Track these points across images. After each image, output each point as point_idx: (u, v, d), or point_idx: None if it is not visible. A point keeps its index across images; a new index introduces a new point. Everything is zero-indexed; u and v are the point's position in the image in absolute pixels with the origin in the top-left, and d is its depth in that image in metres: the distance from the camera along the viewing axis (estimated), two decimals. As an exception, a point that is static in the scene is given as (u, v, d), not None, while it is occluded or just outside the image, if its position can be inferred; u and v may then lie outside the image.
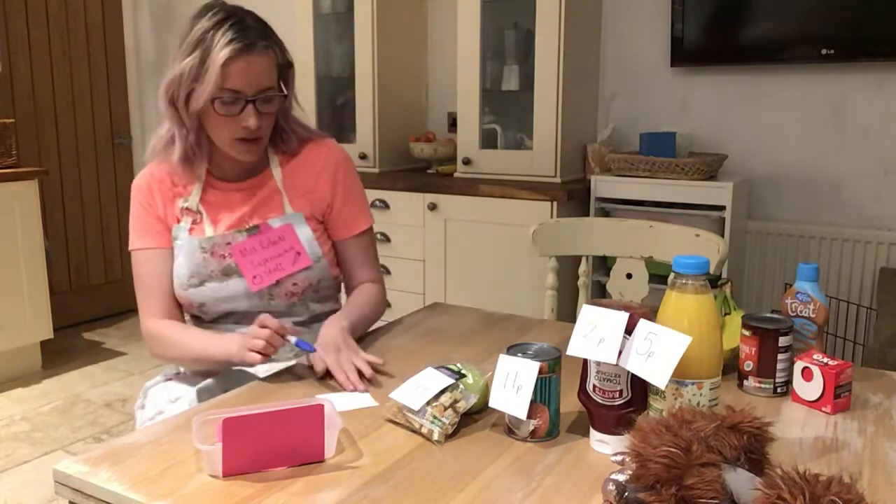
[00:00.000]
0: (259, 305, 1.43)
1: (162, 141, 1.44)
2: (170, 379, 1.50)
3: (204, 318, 1.47)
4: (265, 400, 1.15)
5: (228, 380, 1.35)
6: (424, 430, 1.01)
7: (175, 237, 1.44)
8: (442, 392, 1.02)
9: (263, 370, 1.31)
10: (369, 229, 1.55)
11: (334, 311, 1.55)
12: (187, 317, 1.49)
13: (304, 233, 1.45)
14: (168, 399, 1.42)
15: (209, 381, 1.39)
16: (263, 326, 1.24)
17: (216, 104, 1.34)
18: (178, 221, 1.44)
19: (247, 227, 1.43)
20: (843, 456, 0.96)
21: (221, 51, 1.30)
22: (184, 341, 1.38)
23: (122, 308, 4.36)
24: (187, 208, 1.44)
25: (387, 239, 3.08)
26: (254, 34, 1.34)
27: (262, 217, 1.45)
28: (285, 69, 1.42)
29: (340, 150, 1.54)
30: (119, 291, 4.35)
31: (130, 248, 1.46)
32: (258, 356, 1.22)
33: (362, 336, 1.49)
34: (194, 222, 1.44)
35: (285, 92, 1.41)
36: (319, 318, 1.48)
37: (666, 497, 0.72)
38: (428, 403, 1.01)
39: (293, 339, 1.24)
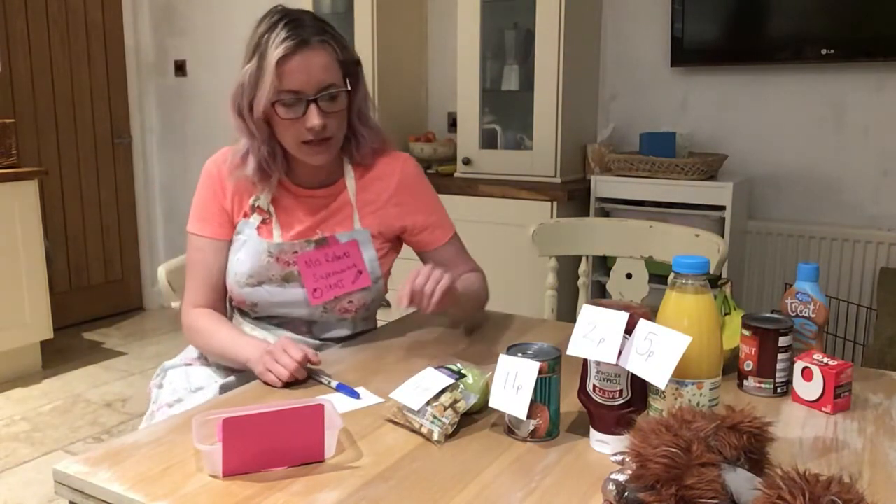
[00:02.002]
0: (312, 315, 1.42)
1: (238, 156, 1.40)
2: (190, 364, 1.49)
3: (250, 315, 1.46)
4: (265, 400, 1.15)
5: (252, 377, 1.34)
6: (424, 430, 1.01)
7: (239, 231, 1.42)
8: (442, 392, 1.02)
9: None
10: (455, 236, 1.53)
11: (373, 328, 1.57)
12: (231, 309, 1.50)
13: (368, 252, 1.42)
14: (189, 388, 1.41)
15: (232, 378, 1.39)
16: (286, 351, 1.21)
17: (277, 107, 1.31)
18: (247, 217, 1.42)
19: (315, 237, 1.40)
20: (843, 456, 0.96)
21: (275, 50, 1.28)
22: (210, 334, 1.39)
23: (122, 308, 4.36)
24: (259, 206, 1.42)
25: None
26: (309, 31, 1.30)
27: (330, 229, 1.43)
28: (351, 66, 1.38)
29: (414, 166, 1.51)
30: (119, 291, 4.35)
31: (188, 228, 1.45)
32: (275, 379, 1.20)
33: (370, 334, 1.49)
34: (263, 221, 1.42)
35: (349, 87, 1.36)
36: (354, 336, 1.48)
37: (666, 497, 0.72)
38: (428, 403, 1.01)
39: (334, 384, 1.19)
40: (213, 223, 1.43)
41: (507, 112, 3.13)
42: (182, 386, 1.42)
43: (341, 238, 1.41)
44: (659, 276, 1.98)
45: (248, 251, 1.40)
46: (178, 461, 0.95)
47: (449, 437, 1.01)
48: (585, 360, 0.99)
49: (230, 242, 1.43)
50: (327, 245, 1.40)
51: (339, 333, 1.46)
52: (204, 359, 1.50)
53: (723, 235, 2.54)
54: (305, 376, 1.22)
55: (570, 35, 2.83)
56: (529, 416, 0.98)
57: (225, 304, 1.48)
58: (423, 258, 1.51)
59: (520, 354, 1.01)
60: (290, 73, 1.29)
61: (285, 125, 1.33)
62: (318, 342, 1.44)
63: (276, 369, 1.20)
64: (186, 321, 1.43)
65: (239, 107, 1.35)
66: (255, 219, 1.42)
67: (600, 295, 2.80)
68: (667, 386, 0.93)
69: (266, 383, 1.21)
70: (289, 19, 1.31)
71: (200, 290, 1.43)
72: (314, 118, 1.31)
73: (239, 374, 1.38)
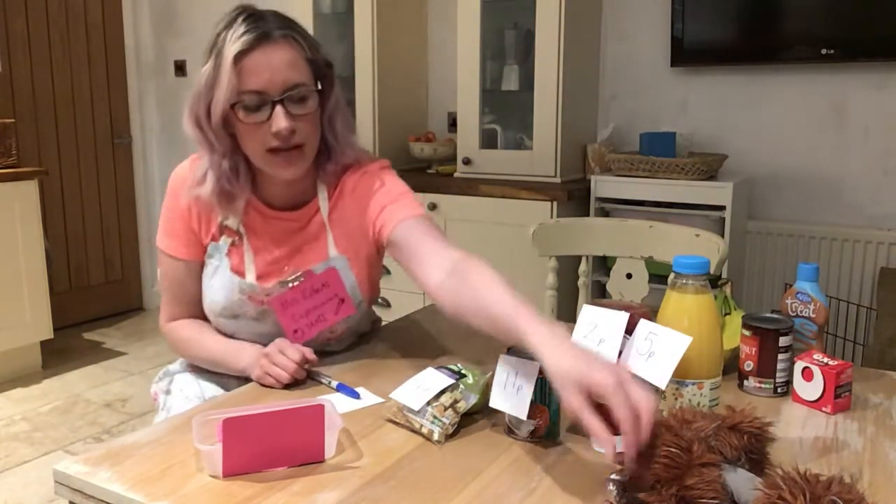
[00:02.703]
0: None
1: (199, 172, 1.26)
2: (196, 369, 1.43)
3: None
4: (265, 400, 1.15)
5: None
6: (425, 430, 1.01)
7: (210, 255, 1.32)
8: (442, 392, 1.02)
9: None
10: (424, 217, 1.27)
11: (373, 328, 1.49)
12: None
13: (349, 279, 1.31)
14: (202, 396, 1.36)
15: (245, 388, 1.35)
16: (283, 352, 1.18)
17: (238, 111, 1.18)
18: (216, 240, 1.31)
19: (289, 278, 1.28)
20: (843, 456, 0.96)
21: (233, 45, 1.15)
22: (198, 343, 1.34)
23: (122, 308, 4.36)
24: (227, 226, 1.31)
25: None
26: (271, 25, 1.18)
27: (305, 260, 1.31)
28: (322, 68, 1.25)
29: (376, 169, 1.35)
30: (119, 291, 4.35)
31: (157, 244, 1.35)
32: (274, 382, 1.18)
33: (368, 330, 1.48)
34: (233, 244, 1.31)
35: (319, 87, 1.23)
36: (355, 344, 1.41)
37: (666, 497, 0.72)
38: (428, 403, 1.01)
39: (334, 384, 1.17)
40: (180, 243, 1.33)
41: (507, 112, 3.13)
42: (195, 394, 1.37)
43: (317, 269, 1.29)
44: (659, 276, 1.98)
45: (221, 282, 1.30)
46: (179, 461, 0.95)
47: (449, 437, 1.01)
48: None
49: (202, 263, 1.33)
50: (304, 281, 1.28)
51: (329, 349, 1.39)
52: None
53: (723, 235, 2.54)
54: (305, 376, 1.21)
55: (570, 35, 2.83)
56: (529, 416, 0.98)
57: (204, 315, 1.38)
58: (397, 244, 1.25)
59: (520, 354, 1.01)
60: (250, 70, 1.16)
61: (248, 131, 1.20)
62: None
63: (275, 371, 1.18)
64: (169, 336, 1.38)
65: (196, 115, 1.22)
66: (225, 241, 1.31)
67: (600, 295, 2.80)
68: (667, 386, 0.93)
69: (265, 386, 1.20)
70: (248, 13, 1.20)
71: (177, 306, 1.37)
72: (281, 120, 1.17)
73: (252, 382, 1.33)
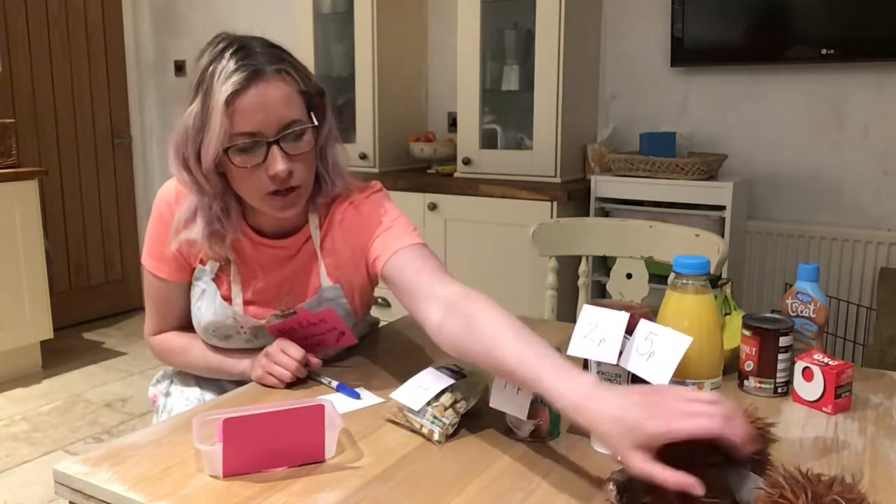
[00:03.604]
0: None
1: (185, 215, 1.21)
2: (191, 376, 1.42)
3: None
4: (265, 400, 1.15)
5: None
6: (425, 431, 1.01)
7: (197, 278, 1.27)
8: (442, 392, 1.02)
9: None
10: (420, 245, 1.19)
11: (371, 330, 1.48)
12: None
13: (343, 308, 1.26)
14: (201, 399, 1.35)
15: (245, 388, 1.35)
16: (285, 352, 1.17)
17: (231, 154, 1.11)
18: (203, 264, 1.26)
19: (283, 311, 1.23)
20: (843, 456, 0.96)
21: (223, 85, 1.07)
22: (195, 352, 1.32)
23: (122, 308, 4.36)
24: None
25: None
26: (262, 59, 1.10)
27: (297, 290, 1.27)
28: (313, 98, 1.18)
29: (367, 196, 1.28)
30: (119, 291, 4.35)
31: (143, 261, 1.31)
32: (276, 382, 1.17)
33: (367, 333, 1.48)
34: (221, 269, 1.26)
35: (315, 122, 1.16)
36: (350, 349, 1.36)
37: (668, 497, 0.72)
38: (428, 404, 1.01)
39: (334, 384, 1.17)
40: (165, 265, 1.28)
41: (507, 112, 3.13)
42: (195, 395, 1.37)
43: (311, 307, 1.23)
44: (659, 276, 1.98)
45: (209, 306, 1.25)
46: (179, 461, 0.95)
47: (449, 437, 1.01)
48: (586, 361, 0.99)
49: (189, 283, 1.30)
50: (297, 315, 1.21)
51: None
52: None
53: (723, 235, 2.54)
54: (306, 375, 1.21)
55: (570, 35, 2.83)
56: (529, 416, 0.98)
57: (191, 328, 1.34)
58: (391, 278, 1.18)
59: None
60: (243, 111, 1.08)
61: (243, 175, 1.13)
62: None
63: (277, 371, 1.18)
64: (157, 346, 1.35)
65: (184, 158, 1.14)
66: (212, 266, 1.26)
67: (600, 295, 2.80)
68: (667, 386, 0.93)
69: (267, 386, 1.20)
70: (237, 47, 1.11)
71: (163, 321, 1.34)
72: (278, 164, 1.10)
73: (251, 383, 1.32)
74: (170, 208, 1.26)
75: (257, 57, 1.10)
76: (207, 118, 1.09)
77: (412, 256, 1.17)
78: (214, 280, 1.26)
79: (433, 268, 1.14)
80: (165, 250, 1.26)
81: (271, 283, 1.27)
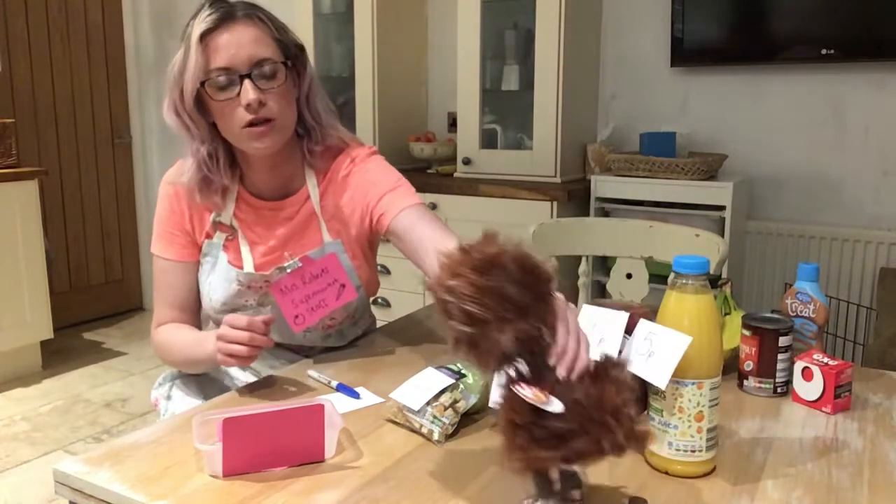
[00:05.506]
0: (293, 337, 1.35)
1: (183, 168, 1.32)
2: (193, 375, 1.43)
3: None
4: (265, 400, 1.15)
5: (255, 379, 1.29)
6: (424, 430, 1.01)
7: (205, 253, 1.34)
8: (442, 392, 1.02)
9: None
10: (421, 206, 1.31)
11: (369, 330, 1.49)
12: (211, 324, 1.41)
13: (345, 262, 1.32)
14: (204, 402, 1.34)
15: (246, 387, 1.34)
16: (232, 326, 1.14)
17: (208, 88, 1.21)
18: (210, 237, 1.33)
19: (287, 264, 1.27)
20: (843, 456, 0.96)
21: (199, 26, 1.19)
22: (173, 344, 1.33)
23: (122, 308, 4.36)
24: (220, 222, 1.33)
25: (386, 239, 3.08)
26: (237, 7, 1.22)
27: (299, 247, 1.32)
28: (292, 49, 1.27)
29: (367, 154, 1.36)
30: (119, 291, 4.35)
31: (152, 249, 1.37)
32: (237, 361, 1.15)
33: (367, 332, 1.48)
34: (228, 239, 1.33)
35: (287, 62, 1.25)
36: (354, 344, 1.41)
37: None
38: (428, 403, 1.01)
39: (334, 384, 1.17)
40: (175, 244, 1.35)
41: (507, 112, 3.13)
42: (198, 400, 1.37)
43: (315, 255, 1.29)
44: (659, 276, 1.98)
45: (219, 277, 1.32)
46: (179, 461, 0.95)
47: (449, 437, 1.01)
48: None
49: (198, 263, 1.35)
50: (302, 267, 1.27)
51: (329, 345, 1.40)
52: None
53: (723, 235, 2.54)
54: (271, 344, 1.17)
55: (570, 35, 2.83)
56: (529, 416, 0.98)
57: (197, 321, 1.39)
58: (393, 239, 1.31)
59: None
60: (215, 47, 1.19)
61: (221, 109, 1.22)
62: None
63: (232, 349, 1.14)
64: (154, 342, 1.38)
65: (173, 102, 1.24)
66: (220, 237, 1.33)
67: (600, 295, 2.80)
68: (667, 386, 0.93)
69: (241, 368, 1.18)
70: (215, 0, 1.24)
71: (168, 312, 1.36)
72: (249, 93, 1.19)
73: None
74: (174, 186, 1.35)
75: (233, 5, 1.23)
76: (187, 58, 1.21)
77: (418, 214, 1.28)
78: (224, 250, 1.32)
79: (438, 226, 1.26)
80: (172, 228, 1.34)
81: (277, 244, 1.33)
